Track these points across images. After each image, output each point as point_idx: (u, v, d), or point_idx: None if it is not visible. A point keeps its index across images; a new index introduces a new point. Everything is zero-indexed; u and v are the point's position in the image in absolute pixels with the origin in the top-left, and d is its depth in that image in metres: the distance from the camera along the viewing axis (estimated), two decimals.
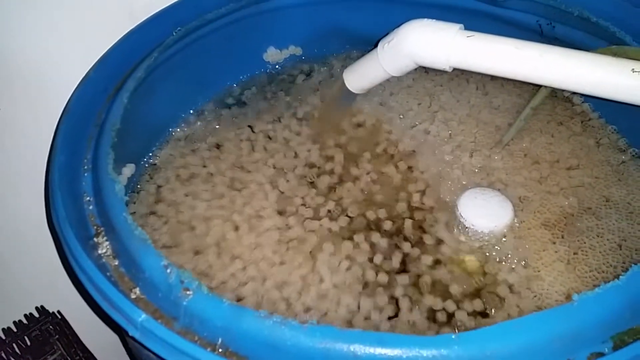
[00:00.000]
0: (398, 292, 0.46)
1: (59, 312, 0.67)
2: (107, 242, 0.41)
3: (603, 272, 0.46)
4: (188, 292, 0.35)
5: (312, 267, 0.48)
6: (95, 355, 0.66)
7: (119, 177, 0.44)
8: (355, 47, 0.73)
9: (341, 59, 0.72)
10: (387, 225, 0.51)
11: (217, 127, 0.63)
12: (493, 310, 0.44)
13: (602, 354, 0.31)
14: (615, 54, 0.48)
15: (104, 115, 0.50)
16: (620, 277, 0.33)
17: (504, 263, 0.47)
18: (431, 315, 0.44)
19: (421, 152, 0.58)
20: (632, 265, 0.34)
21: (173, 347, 0.34)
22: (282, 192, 0.55)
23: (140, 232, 0.39)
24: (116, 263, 0.40)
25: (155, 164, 0.59)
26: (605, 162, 0.55)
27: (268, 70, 0.71)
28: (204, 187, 0.56)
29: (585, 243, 0.48)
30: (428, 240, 0.50)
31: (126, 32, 0.57)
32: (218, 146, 0.61)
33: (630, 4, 0.56)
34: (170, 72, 0.59)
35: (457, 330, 0.43)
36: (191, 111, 0.65)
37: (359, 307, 0.45)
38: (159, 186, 0.56)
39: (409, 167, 0.57)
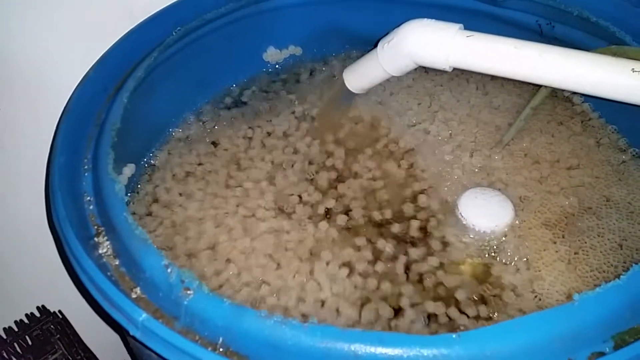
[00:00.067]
0: (398, 291, 0.46)
1: (60, 311, 0.67)
2: (108, 242, 0.41)
3: (604, 271, 0.46)
4: (189, 292, 0.35)
5: (310, 271, 0.47)
6: (96, 354, 0.66)
7: (119, 177, 0.44)
8: (355, 47, 0.73)
9: (341, 59, 0.72)
10: (387, 225, 0.51)
11: (217, 126, 0.63)
12: (494, 311, 0.44)
13: (603, 354, 0.31)
14: (615, 54, 0.48)
15: (104, 115, 0.50)
16: (621, 276, 0.33)
17: (504, 263, 0.47)
18: (434, 319, 0.44)
19: (421, 152, 0.58)
20: (633, 264, 0.34)
21: (174, 346, 0.34)
22: (280, 190, 0.55)
23: (141, 231, 0.39)
24: (117, 263, 0.40)
25: (154, 165, 0.59)
26: (605, 161, 0.56)
27: (268, 70, 0.71)
28: (199, 186, 0.56)
29: (586, 243, 0.48)
30: (428, 239, 0.50)
31: (126, 32, 0.57)
32: (215, 144, 0.61)
33: (630, 4, 0.56)
34: (170, 71, 0.59)
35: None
36: (191, 111, 0.65)
37: (360, 317, 0.44)
38: (156, 186, 0.56)
39: (409, 167, 0.57)
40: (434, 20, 0.50)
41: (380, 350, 0.31)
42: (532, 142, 0.58)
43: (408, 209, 0.52)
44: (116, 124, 0.48)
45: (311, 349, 0.31)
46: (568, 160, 0.56)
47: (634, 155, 0.56)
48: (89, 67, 0.53)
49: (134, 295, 0.37)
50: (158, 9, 0.59)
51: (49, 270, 0.69)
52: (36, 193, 0.62)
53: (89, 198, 0.44)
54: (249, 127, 0.62)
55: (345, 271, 0.47)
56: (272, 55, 0.71)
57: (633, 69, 0.42)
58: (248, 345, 0.33)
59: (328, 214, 0.53)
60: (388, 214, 0.52)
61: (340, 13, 0.70)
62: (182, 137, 0.62)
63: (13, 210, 0.64)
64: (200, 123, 0.64)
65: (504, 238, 0.49)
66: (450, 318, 0.44)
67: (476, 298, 0.45)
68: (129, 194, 0.54)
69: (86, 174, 0.46)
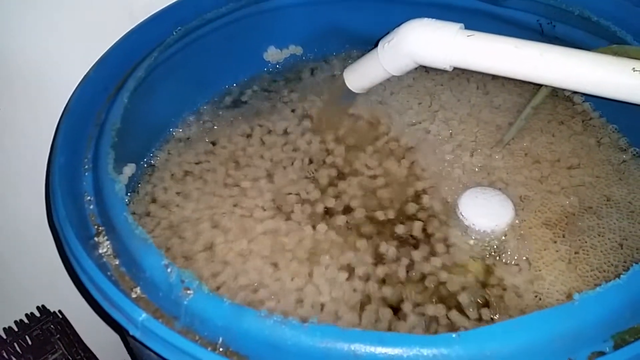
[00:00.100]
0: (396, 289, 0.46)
1: (60, 311, 0.67)
2: (108, 242, 0.41)
3: (604, 271, 0.46)
4: (189, 292, 0.35)
5: (309, 273, 0.47)
6: (96, 354, 0.66)
7: (120, 177, 0.44)
8: (355, 47, 0.73)
9: (341, 58, 0.72)
10: (389, 225, 0.51)
11: (217, 126, 0.63)
12: (495, 312, 0.44)
13: (603, 353, 0.31)
14: (616, 53, 0.48)
15: (104, 115, 0.50)
16: (622, 276, 0.33)
17: (504, 262, 0.47)
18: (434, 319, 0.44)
19: (422, 151, 0.58)
20: (633, 264, 0.34)
21: (174, 346, 0.34)
22: (279, 188, 0.55)
23: (141, 231, 0.39)
24: (117, 262, 0.40)
25: (154, 164, 0.59)
26: (606, 161, 0.55)
27: (269, 70, 0.71)
28: (196, 186, 0.55)
29: (586, 242, 0.48)
30: (429, 240, 0.49)
31: (126, 32, 0.57)
32: (214, 144, 0.61)
33: (631, 4, 0.56)
34: (171, 71, 0.59)
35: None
36: (191, 111, 0.65)
37: (360, 320, 0.44)
38: (155, 186, 0.56)
39: (409, 167, 0.57)
40: (434, 19, 0.50)
41: (380, 350, 0.31)
42: (533, 142, 0.58)
43: (409, 208, 0.52)
44: (116, 124, 0.48)
45: (311, 348, 0.31)
46: (568, 159, 0.56)
47: (634, 154, 0.56)
48: (89, 67, 0.53)
49: (133, 295, 0.37)
50: (158, 9, 0.59)
51: (49, 270, 0.69)
52: (36, 193, 0.62)
53: (89, 198, 0.44)
54: (249, 126, 0.62)
55: (344, 274, 0.47)
56: (273, 54, 0.71)
57: (634, 68, 0.42)
58: (248, 345, 0.33)
59: (328, 213, 0.52)
60: (390, 213, 0.52)
61: (340, 13, 0.70)
62: (182, 137, 0.62)
63: (13, 210, 0.64)
64: (201, 123, 0.64)
65: (504, 238, 0.49)
66: (451, 321, 0.43)
67: (479, 301, 0.45)
68: (129, 194, 0.54)
69: (86, 174, 0.46)
